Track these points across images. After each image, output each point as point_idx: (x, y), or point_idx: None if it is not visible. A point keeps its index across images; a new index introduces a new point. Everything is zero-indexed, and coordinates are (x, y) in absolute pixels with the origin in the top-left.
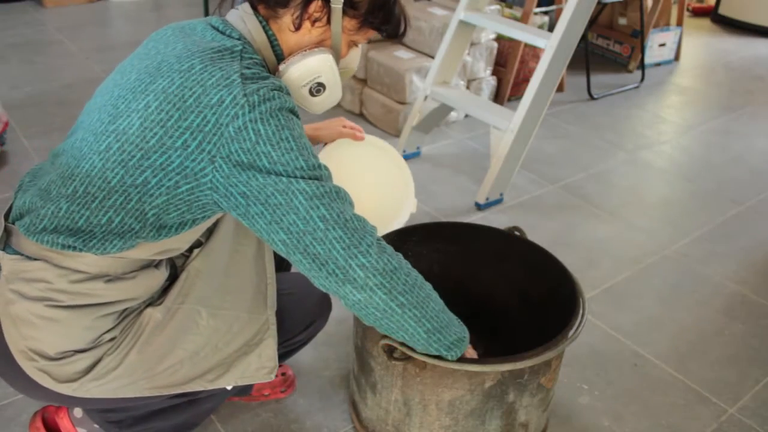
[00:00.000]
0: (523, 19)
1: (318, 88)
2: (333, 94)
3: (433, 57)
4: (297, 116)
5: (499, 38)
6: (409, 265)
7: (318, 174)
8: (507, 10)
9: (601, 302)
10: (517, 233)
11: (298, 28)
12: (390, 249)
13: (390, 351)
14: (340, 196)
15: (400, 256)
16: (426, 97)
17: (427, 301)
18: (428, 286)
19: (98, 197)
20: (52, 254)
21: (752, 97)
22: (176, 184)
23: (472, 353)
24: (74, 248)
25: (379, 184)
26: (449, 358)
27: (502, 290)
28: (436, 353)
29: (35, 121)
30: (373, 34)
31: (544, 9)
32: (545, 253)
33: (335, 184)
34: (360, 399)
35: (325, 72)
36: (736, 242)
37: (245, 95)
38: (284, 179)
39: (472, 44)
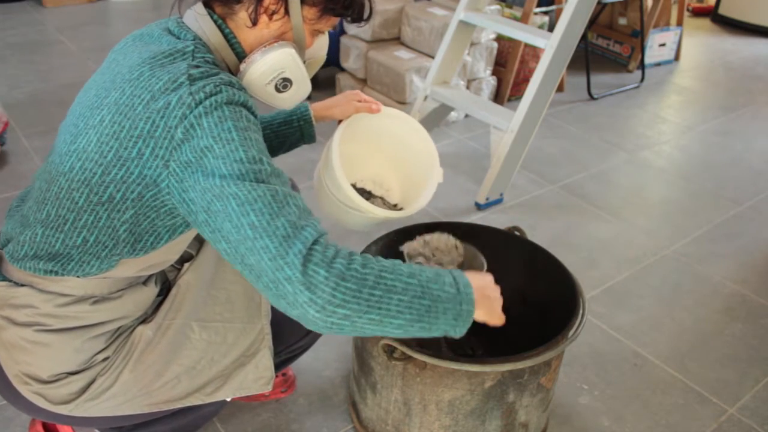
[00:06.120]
0: (523, 19)
1: (284, 84)
2: (301, 88)
3: (433, 57)
4: (249, 110)
5: (499, 38)
6: (357, 263)
7: (257, 168)
8: (507, 10)
9: (601, 302)
10: (517, 233)
11: (255, 23)
12: (319, 256)
13: (390, 351)
14: (276, 199)
15: (343, 256)
16: (426, 97)
17: (388, 298)
18: (389, 276)
19: (69, 219)
20: (36, 279)
21: (752, 97)
22: (139, 195)
23: (490, 294)
24: (55, 273)
25: (401, 157)
26: (454, 335)
27: (501, 290)
28: (431, 337)
29: (35, 121)
30: (336, 21)
31: (544, 9)
32: (545, 253)
33: (286, 188)
34: (360, 399)
35: (289, 66)
36: (736, 242)
37: (191, 94)
38: (218, 182)
39: (472, 44)
